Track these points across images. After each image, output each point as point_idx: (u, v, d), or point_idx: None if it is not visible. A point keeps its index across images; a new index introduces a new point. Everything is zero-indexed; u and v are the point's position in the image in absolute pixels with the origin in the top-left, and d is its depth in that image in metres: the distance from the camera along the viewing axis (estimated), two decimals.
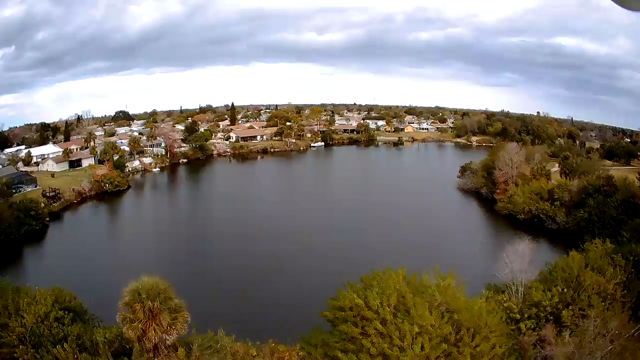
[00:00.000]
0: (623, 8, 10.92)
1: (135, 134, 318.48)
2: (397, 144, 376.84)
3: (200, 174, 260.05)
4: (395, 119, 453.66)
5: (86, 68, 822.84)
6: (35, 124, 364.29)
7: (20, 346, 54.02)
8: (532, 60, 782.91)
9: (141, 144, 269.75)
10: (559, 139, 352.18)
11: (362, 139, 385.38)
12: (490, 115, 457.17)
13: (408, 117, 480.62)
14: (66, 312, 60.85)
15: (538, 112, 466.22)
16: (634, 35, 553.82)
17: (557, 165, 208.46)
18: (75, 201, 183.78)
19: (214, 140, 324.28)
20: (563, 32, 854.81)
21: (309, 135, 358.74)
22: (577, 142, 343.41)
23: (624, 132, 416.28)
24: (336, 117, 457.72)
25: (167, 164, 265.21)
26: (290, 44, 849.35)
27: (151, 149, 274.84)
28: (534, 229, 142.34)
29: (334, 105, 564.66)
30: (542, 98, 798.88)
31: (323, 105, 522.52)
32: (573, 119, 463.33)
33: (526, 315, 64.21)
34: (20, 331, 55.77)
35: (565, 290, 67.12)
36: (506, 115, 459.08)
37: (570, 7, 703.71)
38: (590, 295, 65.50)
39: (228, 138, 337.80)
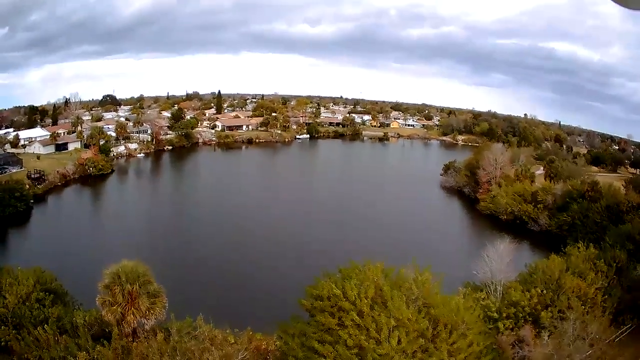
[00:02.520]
0: (622, 7, 10.96)
1: (122, 119, 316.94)
2: (383, 139, 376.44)
3: (184, 161, 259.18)
4: (381, 114, 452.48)
5: (76, 51, 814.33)
6: (24, 106, 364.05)
7: (2, 327, 54.36)
8: (523, 62, 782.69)
9: (127, 130, 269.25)
10: (545, 142, 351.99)
11: (348, 132, 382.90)
12: (476, 115, 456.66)
13: (394, 113, 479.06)
14: (47, 293, 61.35)
15: (525, 115, 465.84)
16: (628, 43, 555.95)
17: (542, 168, 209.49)
18: (59, 184, 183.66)
19: (200, 129, 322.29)
20: (557, 36, 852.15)
21: (294, 126, 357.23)
22: (564, 146, 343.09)
23: (612, 138, 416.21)
24: (322, 109, 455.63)
25: (152, 150, 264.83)
26: (281, 34, 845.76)
27: (137, 135, 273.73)
28: (515, 230, 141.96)
29: (320, 97, 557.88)
30: (530, 100, 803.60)
31: (309, 97, 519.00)
32: (561, 122, 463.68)
33: (504, 315, 64.51)
34: (2, 312, 56.07)
35: (545, 292, 67.49)
36: (493, 115, 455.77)
37: (565, 11, 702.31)
38: (569, 297, 65.75)
39: (214, 127, 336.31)
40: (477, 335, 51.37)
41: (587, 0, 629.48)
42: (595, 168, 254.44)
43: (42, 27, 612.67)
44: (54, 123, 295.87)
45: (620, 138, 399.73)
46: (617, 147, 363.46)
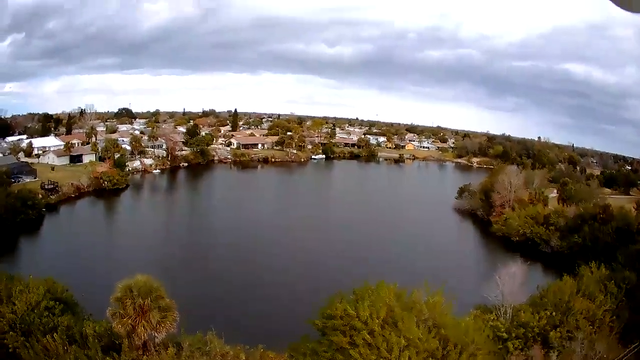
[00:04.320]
0: (623, 10, 11.11)
1: (137, 132, 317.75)
2: (398, 161, 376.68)
3: (200, 179, 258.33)
4: (396, 136, 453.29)
5: (93, 63, 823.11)
6: (38, 113, 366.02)
7: (11, 332, 54.35)
8: (539, 85, 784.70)
9: (142, 144, 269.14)
10: (559, 164, 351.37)
11: (363, 154, 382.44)
12: (491, 138, 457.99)
13: (409, 135, 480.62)
14: (57, 302, 61.10)
15: (539, 137, 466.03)
16: None
17: (555, 190, 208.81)
18: (72, 195, 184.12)
19: (215, 145, 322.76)
20: (573, 59, 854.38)
21: (309, 146, 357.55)
22: (578, 168, 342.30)
23: (625, 159, 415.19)
24: (337, 130, 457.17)
25: (167, 166, 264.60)
26: (299, 54, 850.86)
27: (152, 149, 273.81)
28: (527, 251, 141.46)
29: (336, 118, 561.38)
30: (543, 124, 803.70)
31: (325, 117, 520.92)
32: (574, 145, 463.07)
33: (514, 335, 64.47)
34: (11, 317, 56.05)
35: (554, 313, 67.42)
36: (507, 138, 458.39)
37: (581, 34, 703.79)
38: (578, 319, 65.79)
39: (229, 144, 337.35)
40: (487, 355, 51.61)
41: (602, 24, 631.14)
42: (608, 190, 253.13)
43: (59, 36, 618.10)
44: (68, 132, 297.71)
45: (633, 159, 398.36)
46: (630, 168, 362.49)
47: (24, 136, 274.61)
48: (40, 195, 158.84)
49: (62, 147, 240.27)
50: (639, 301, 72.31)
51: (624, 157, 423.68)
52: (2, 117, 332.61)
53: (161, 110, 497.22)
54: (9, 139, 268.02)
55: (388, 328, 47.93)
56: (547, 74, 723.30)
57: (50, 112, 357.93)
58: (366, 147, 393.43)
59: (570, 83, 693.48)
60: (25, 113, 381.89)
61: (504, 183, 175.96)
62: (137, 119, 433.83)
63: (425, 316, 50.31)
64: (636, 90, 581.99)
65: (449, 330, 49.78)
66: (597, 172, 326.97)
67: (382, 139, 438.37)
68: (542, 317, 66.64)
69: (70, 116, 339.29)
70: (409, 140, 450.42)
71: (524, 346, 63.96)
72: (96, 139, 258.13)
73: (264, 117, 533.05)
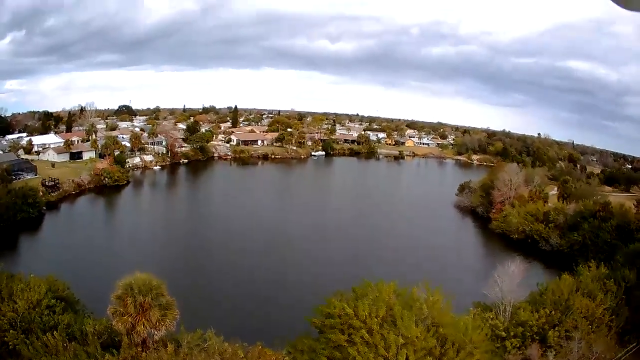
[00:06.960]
0: (623, 8, 11.19)
1: (137, 129, 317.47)
2: (398, 158, 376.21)
3: (200, 176, 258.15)
4: (396, 132, 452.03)
5: (94, 60, 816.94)
6: (38, 111, 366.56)
7: (11, 331, 54.60)
8: (541, 82, 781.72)
9: (142, 141, 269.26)
10: (559, 162, 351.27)
11: (363, 150, 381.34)
12: (491, 135, 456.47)
13: (409, 131, 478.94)
14: (58, 300, 61.29)
15: (539, 134, 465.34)
16: None
17: (556, 188, 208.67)
18: (73, 192, 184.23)
19: (215, 142, 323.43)
20: (575, 56, 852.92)
21: (309, 143, 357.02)
22: (578, 166, 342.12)
23: (625, 158, 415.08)
24: (337, 126, 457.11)
25: (167, 162, 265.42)
26: (301, 50, 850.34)
27: (152, 146, 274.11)
28: (527, 249, 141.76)
29: (336, 114, 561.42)
30: (544, 120, 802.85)
31: (325, 113, 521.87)
32: (574, 142, 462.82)
33: (512, 334, 64.46)
34: (12, 316, 56.25)
35: (553, 312, 67.43)
36: (507, 135, 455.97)
37: (584, 31, 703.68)
38: (576, 318, 65.80)
39: (229, 140, 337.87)
40: (485, 354, 51.61)
41: (604, 20, 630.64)
42: (608, 188, 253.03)
43: (59, 33, 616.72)
44: (68, 130, 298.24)
45: (634, 157, 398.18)
46: (630, 167, 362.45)
47: (24, 134, 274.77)
48: (40, 193, 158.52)
49: (62, 144, 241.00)
50: (638, 300, 72.41)
51: (624, 155, 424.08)
52: (2, 115, 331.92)
53: (161, 106, 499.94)
54: (9, 137, 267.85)
55: (387, 326, 48.05)
56: (550, 71, 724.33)
57: (50, 110, 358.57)
58: (366, 143, 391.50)
59: (573, 80, 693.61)
60: (25, 111, 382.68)
61: (504, 180, 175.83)
62: (137, 116, 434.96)
63: (425, 315, 50.38)
64: (636, 87, 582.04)
65: (447, 328, 49.84)
66: (597, 170, 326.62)
67: (382, 135, 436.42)
68: (541, 316, 66.66)
69: (70, 114, 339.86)
70: (409, 137, 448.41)
71: (521, 345, 64.05)
72: (96, 137, 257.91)
73: (264, 114, 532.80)
